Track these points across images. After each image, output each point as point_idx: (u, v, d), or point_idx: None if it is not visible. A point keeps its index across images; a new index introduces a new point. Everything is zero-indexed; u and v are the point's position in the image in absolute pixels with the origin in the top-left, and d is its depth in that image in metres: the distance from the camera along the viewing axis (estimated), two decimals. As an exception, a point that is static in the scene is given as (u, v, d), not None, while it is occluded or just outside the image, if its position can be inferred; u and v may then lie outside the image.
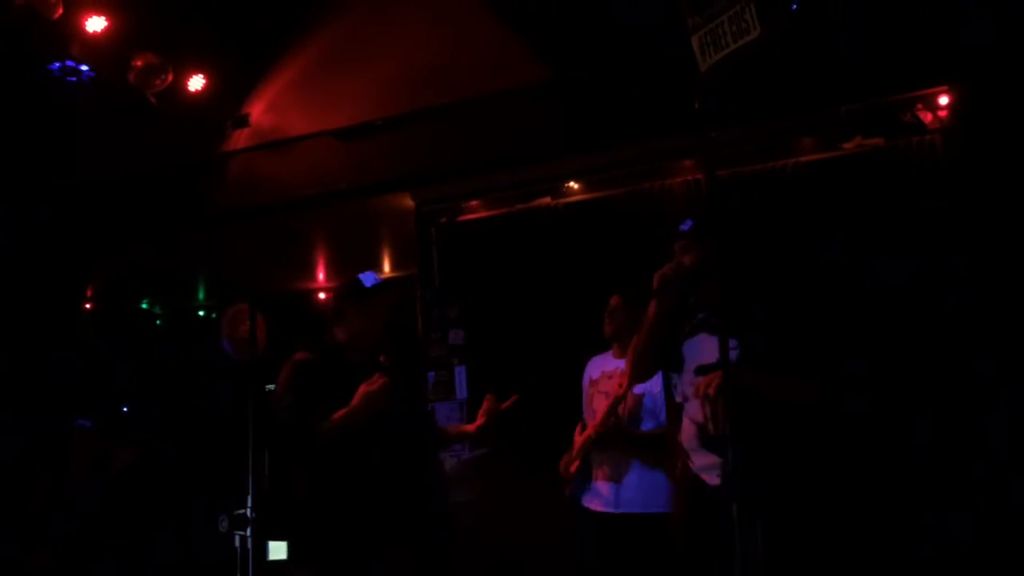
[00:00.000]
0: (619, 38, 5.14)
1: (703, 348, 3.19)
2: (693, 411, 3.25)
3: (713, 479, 3.10)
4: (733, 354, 2.77)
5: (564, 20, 5.28)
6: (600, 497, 4.51)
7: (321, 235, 7.38)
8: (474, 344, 6.05)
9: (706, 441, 3.17)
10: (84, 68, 5.38)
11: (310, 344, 3.85)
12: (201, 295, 9.00)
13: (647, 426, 4.50)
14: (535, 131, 5.55)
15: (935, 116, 4.85)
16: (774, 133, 5.19)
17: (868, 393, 4.47)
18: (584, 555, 4.63)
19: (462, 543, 5.66)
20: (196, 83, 5.90)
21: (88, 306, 8.23)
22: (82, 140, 6.26)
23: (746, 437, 2.47)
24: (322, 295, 8.55)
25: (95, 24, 5.28)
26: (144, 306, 9.06)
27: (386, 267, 8.21)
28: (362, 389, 3.58)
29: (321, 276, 8.49)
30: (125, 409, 8.03)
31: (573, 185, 5.86)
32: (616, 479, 4.47)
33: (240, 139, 6.27)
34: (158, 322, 9.18)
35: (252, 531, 3.24)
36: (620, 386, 4.42)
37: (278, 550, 3.63)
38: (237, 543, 3.28)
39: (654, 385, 4.37)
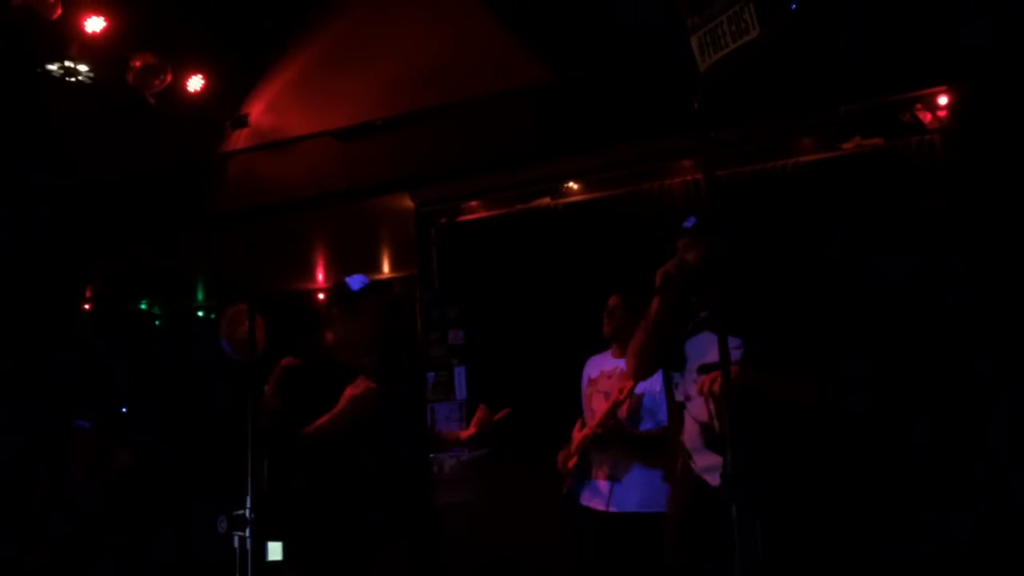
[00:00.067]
0: (618, 38, 5.14)
1: (706, 346, 3.18)
2: (696, 410, 3.24)
3: (716, 480, 3.09)
4: (737, 353, 2.77)
5: (563, 20, 5.28)
6: (600, 496, 4.51)
7: (320, 236, 7.38)
8: (473, 344, 6.05)
9: (710, 441, 3.16)
10: (83, 68, 5.37)
11: (299, 349, 3.84)
12: (200, 296, 9.01)
13: (646, 426, 4.50)
14: (535, 131, 5.55)
15: (934, 116, 4.85)
16: (773, 133, 5.19)
17: (868, 393, 4.47)
18: (583, 554, 4.63)
19: (462, 543, 5.67)
20: (195, 83, 5.90)
21: (87, 306, 8.23)
22: (81, 141, 6.26)
23: (748, 436, 2.46)
24: (321, 296, 8.54)
25: (94, 24, 5.28)
26: (143, 307, 9.06)
27: (385, 268, 8.21)
28: (347, 393, 3.58)
29: (320, 277, 8.49)
30: (124, 410, 8.03)
31: (573, 185, 5.86)
32: (616, 478, 4.47)
33: (239, 139, 6.27)
34: (157, 323, 9.18)
35: (251, 531, 3.23)
36: (621, 391, 4.42)
37: (277, 551, 3.62)
38: (236, 543, 3.27)
39: (654, 384, 4.38)
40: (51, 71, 5.37)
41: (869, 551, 4.35)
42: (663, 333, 3.33)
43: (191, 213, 6.46)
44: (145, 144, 6.20)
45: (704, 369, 3.13)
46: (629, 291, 4.51)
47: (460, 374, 6.03)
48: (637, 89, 5.19)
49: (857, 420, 4.40)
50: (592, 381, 4.73)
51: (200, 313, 9.16)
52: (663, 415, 4.43)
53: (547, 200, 5.95)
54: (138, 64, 5.55)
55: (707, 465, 3.18)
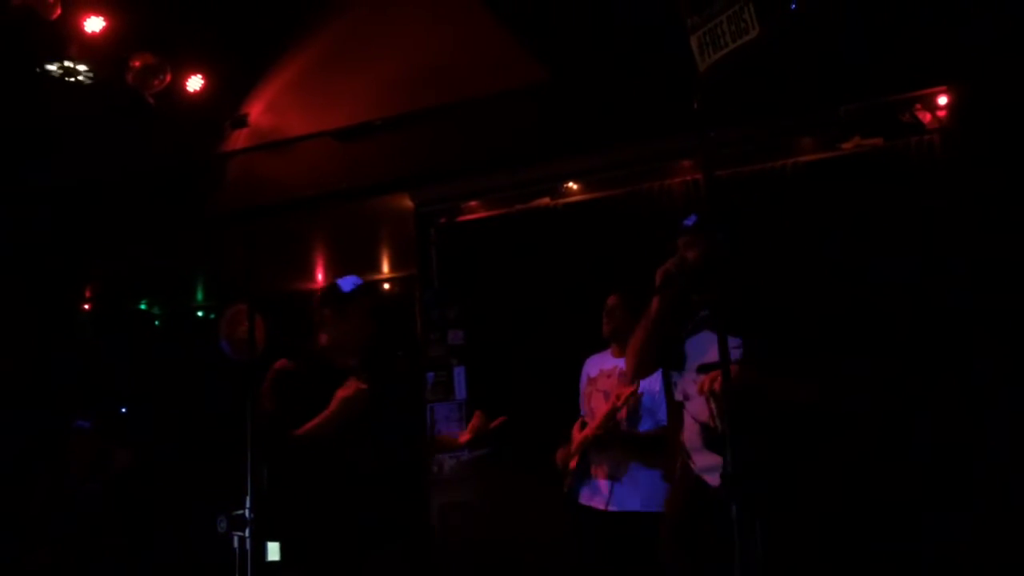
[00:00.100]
0: (618, 38, 5.14)
1: (706, 346, 3.17)
2: (695, 410, 3.23)
3: (716, 480, 3.08)
4: (736, 353, 2.77)
5: (563, 20, 5.27)
6: (599, 495, 4.51)
7: (320, 236, 7.38)
8: (473, 344, 6.05)
9: (710, 441, 3.16)
10: (82, 68, 5.37)
11: (293, 351, 3.85)
12: (200, 296, 9.00)
13: (646, 425, 4.50)
14: (534, 131, 5.55)
15: (934, 116, 4.85)
16: (773, 133, 5.19)
17: (868, 393, 4.47)
18: (583, 553, 4.63)
19: (462, 543, 5.67)
20: (194, 83, 5.90)
21: (87, 306, 8.23)
22: (81, 141, 6.26)
23: (748, 436, 2.46)
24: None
25: (93, 24, 5.28)
26: (143, 307, 9.06)
27: (385, 268, 8.21)
28: (338, 395, 3.59)
29: (320, 277, 8.48)
30: (124, 410, 8.03)
31: (572, 185, 5.86)
32: (615, 478, 4.47)
33: (239, 139, 6.27)
34: (157, 323, 9.18)
35: (250, 531, 3.23)
36: (618, 397, 4.42)
37: (276, 551, 3.62)
38: (236, 543, 3.27)
39: (653, 384, 4.37)
40: (50, 71, 5.36)
41: (869, 551, 4.35)
42: (663, 332, 3.32)
43: (191, 213, 6.46)
44: (145, 144, 6.20)
45: (704, 369, 3.13)
46: (628, 291, 4.51)
47: (460, 374, 6.03)
48: (637, 89, 5.19)
49: (857, 420, 4.40)
50: (591, 380, 4.73)
51: (200, 313, 9.16)
52: (663, 415, 4.43)
53: (547, 200, 5.95)
54: (137, 64, 5.55)
55: (707, 465, 3.17)
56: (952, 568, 4.34)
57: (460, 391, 6.01)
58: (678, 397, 3.37)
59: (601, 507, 4.49)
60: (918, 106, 4.88)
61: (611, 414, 4.45)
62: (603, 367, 4.69)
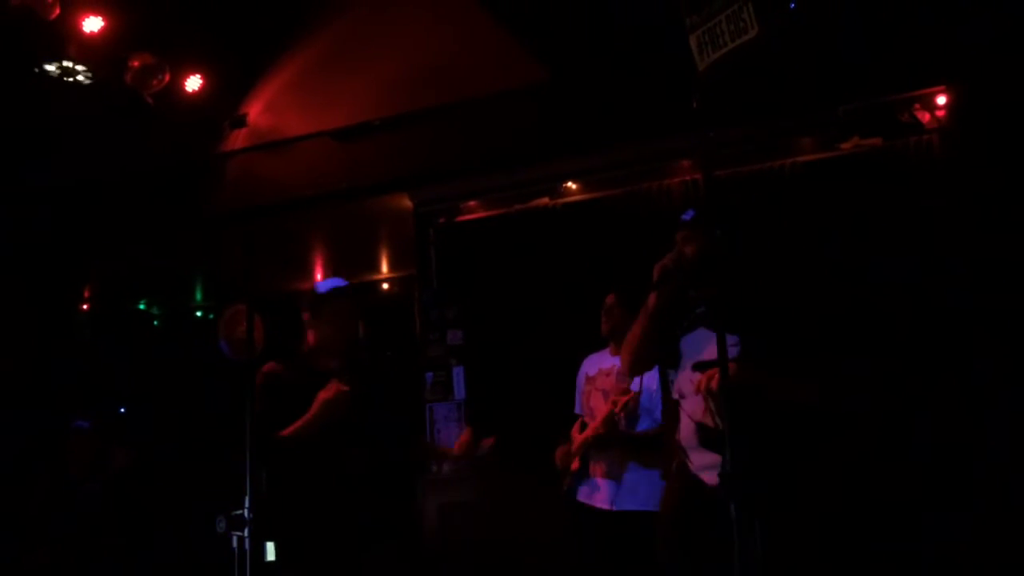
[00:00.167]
0: (617, 38, 5.14)
1: (701, 343, 3.16)
2: (691, 408, 3.21)
3: (712, 478, 3.06)
4: (733, 351, 2.76)
5: (562, 20, 5.27)
6: (598, 494, 4.50)
7: (319, 236, 7.37)
8: (472, 344, 6.04)
9: (706, 440, 3.14)
10: (81, 68, 5.37)
11: (281, 354, 3.86)
12: (199, 296, 9.00)
13: (644, 424, 4.49)
14: (534, 131, 5.55)
15: (933, 116, 4.85)
16: (772, 133, 5.19)
17: (868, 393, 4.46)
18: (582, 552, 4.62)
19: (462, 543, 5.67)
20: (193, 83, 5.89)
21: (85, 307, 8.22)
22: (80, 141, 6.25)
23: (746, 435, 2.45)
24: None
25: (92, 24, 5.27)
26: (142, 307, 9.05)
27: (384, 268, 8.21)
28: (319, 397, 3.59)
29: (319, 277, 8.48)
30: (123, 410, 8.02)
31: (571, 185, 5.86)
32: (614, 477, 4.47)
33: (238, 139, 6.27)
34: (156, 323, 9.17)
35: (249, 532, 3.23)
36: (615, 404, 4.41)
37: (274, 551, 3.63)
38: (235, 544, 3.27)
39: (650, 382, 4.37)
40: (49, 71, 5.36)
41: (869, 551, 4.35)
42: (659, 329, 3.29)
43: (190, 213, 6.46)
44: (143, 144, 6.20)
45: (699, 366, 3.11)
46: (627, 290, 4.50)
47: (459, 374, 6.03)
48: (636, 89, 5.19)
49: (857, 420, 4.40)
50: (590, 379, 4.72)
51: (199, 313, 9.16)
52: (660, 413, 4.42)
53: (546, 200, 5.95)
54: (136, 64, 5.55)
55: (703, 464, 3.15)
56: (952, 568, 4.33)
57: (459, 391, 6.01)
58: (674, 395, 3.35)
59: (600, 506, 4.49)
60: (917, 106, 4.88)
61: (609, 418, 4.45)
62: (602, 366, 4.68)
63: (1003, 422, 4.43)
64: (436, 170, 5.91)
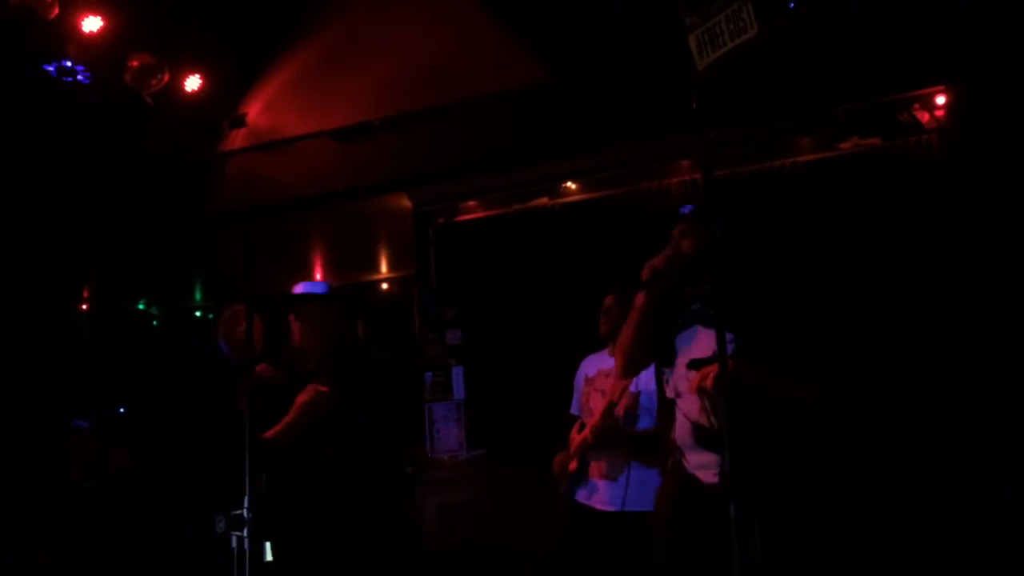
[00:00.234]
0: (617, 38, 5.14)
1: (697, 340, 3.15)
2: (687, 407, 3.19)
3: (708, 477, 3.06)
4: (729, 348, 2.74)
5: (562, 20, 5.27)
6: (597, 494, 4.50)
7: (318, 236, 7.37)
8: (471, 344, 6.05)
9: (702, 439, 3.13)
10: (80, 68, 5.36)
11: (272, 355, 3.87)
12: (198, 296, 9.00)
13: (644, 424, 4.48)
14: (533, 131, 5.55)
15: (932, 116, 4.85)
16: (772, 133, 5.19)
17: (867, 393, 4.46)
18: (581, 552, 4.62)
19: (462, 543, 5.66)
20: (192, 83, 5.89)
21: (85, 307, 8.21)
22: (80, 141, 6.25)
23: (744, 435, 2.45)
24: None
25: (91, 24, 5.27)
26: (141, 307, 9.05)
27: (383, 268, 8.21)
28: (298, 400, 3.60)
29: (319, 277, 8.48)
30: (122, 410, 8.02)
31: (570, 185, 5.86)
32: (613, 477, 4.46)
33: (237, 139, 6.27)
34: (155, 323, 9.17)
35: (249, 531, 3.23)
36: (612, 395, 4.41)
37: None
38: (234, 543, 3.27)
39: (650, 382, 4.35)
40: (48, 71, 5.36)
41: (868, 551, 4.34)
42: (650, 328, 3.26)
43: (189, 213, 6.46)
44: (143, 144, 6.19)
45: (693, 365, 3.10)
46: (626, 290, 4.49)
47: (458, 374, 6.03)
48: (635, 89, 5.19)
49: (856, 420, 4.39)
50: (589, 380, 4.71)
51: (198, 313, 9.15)
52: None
53: (545, 200, 5.95)
54: (135, 64, 5.55)
55: (699, 463, 3.14)
56: (952, 568, 4.33)
57: (458, 391, 6.01)
58: (669, 394, 3.32)
59: (599, 507, 4.48)
60: (916, 106, 4.88)
61: (608, 410, 4.44)
62: (601, 367, 4.68)
63: (1003, 422, 4.43)
64: (436, 170, 5.91)
